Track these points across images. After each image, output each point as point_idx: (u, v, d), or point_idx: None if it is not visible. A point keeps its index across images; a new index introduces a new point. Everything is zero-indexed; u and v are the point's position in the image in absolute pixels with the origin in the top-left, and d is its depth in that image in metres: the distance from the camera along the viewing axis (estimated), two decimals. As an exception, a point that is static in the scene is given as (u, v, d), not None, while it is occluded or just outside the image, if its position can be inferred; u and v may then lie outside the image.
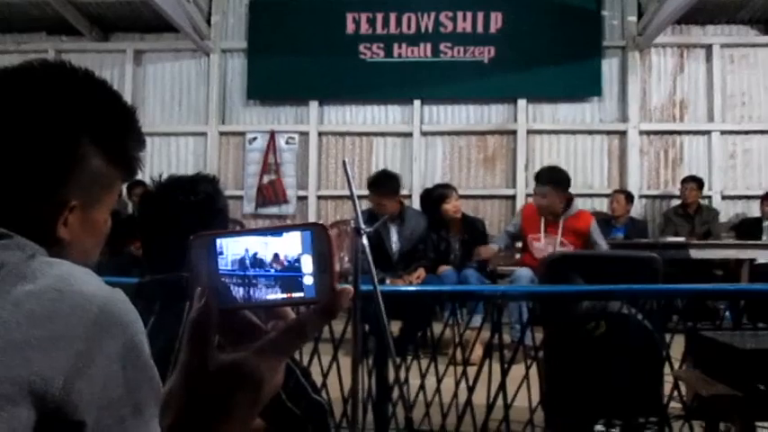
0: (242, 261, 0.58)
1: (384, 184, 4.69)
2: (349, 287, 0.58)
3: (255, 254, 0.58)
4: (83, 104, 0.77)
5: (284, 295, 0.58)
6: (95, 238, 0.83)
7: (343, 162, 2.09)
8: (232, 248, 0.59)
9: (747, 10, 6.51)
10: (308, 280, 0.57)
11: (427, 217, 4.84)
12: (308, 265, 0.57)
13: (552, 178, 4.26)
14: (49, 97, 0.74)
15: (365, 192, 6.24)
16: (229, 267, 0.58)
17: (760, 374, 1.81)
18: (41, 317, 0.57)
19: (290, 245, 0.57)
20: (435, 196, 4.91)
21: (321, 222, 0.58)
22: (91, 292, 0.61)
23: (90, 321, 0.58)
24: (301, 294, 0.57)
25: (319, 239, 0.57)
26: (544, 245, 4.25)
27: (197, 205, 1.45)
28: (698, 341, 2.10)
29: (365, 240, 2.19)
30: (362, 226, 2.14)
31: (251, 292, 0.58)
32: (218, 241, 0.59)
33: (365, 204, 5.32)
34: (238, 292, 0.58)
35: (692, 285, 2.36)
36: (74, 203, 0.75)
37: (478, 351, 2.98)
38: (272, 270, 0.58)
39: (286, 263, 0.57)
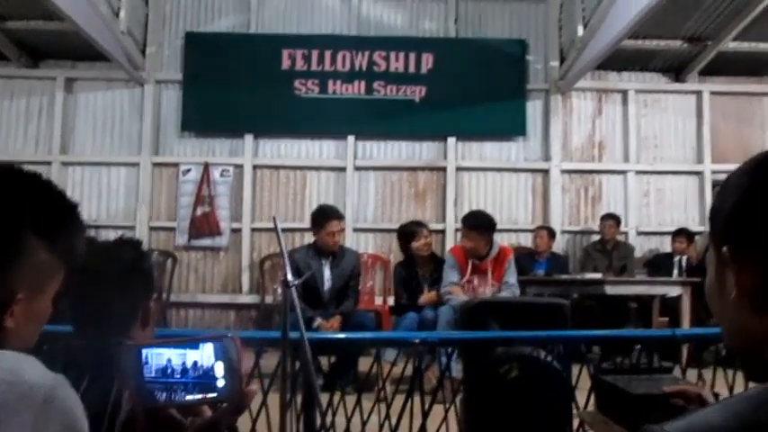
0: (164, 370, 0.72)
1: (340, 214, 4.88)
2: (253, 387, 0.74)
3: (176, 364, 0.72)
4: (28, 203, 0.86)
5: (200, 396, 0.72)
6: (38, 323, 0.90)
7: (273, 218, 2.20)
8: (156, 359, 0.73)
9: (659, 59, 7.01)
10: (221, 382, 0.72)
11: (403, 254, 4.99)
12: (220, 370, 0.71)
13: (476, 223, 4.45)
14: None
15: (299, 225, 6.38)
16: (154, 375, 0.72)
17: (649, 418, 2.00)
18: None
19: (205, 355, 0.72)
20: (407, 233, 4.96)
21: (230, 335, 0.73)
22: (37, 382, 0.70)
23: (36, 409, 0.68)
24: (215, 395, 0.72)
25: (229, 349, 0.72)
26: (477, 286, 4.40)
27: (120, 272, 1.49)
28: (598, 384, 2.29)
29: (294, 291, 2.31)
30: (290, 278, 2.25)
31: (173, 395, 0.72)
32: (144, 352, 0.73)
33: (307, 238, 5.39)
34: (162, 395, 0.72)
35: (595, 332, 2.57)
36: (20, 296, 0.83)
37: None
38: (190, 378, 0.72)
39: (201, 371, 0.72)
